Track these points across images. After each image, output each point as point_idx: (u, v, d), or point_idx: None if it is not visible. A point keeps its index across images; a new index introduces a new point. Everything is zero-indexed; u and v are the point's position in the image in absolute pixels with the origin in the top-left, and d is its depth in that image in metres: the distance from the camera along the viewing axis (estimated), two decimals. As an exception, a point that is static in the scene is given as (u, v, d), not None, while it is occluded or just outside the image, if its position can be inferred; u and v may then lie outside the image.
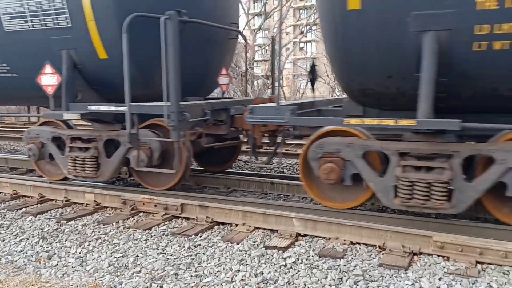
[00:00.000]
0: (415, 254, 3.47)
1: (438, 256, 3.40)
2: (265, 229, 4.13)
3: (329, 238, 3.83)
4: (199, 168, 7.01)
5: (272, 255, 3.52)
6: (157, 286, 3.05)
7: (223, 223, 4.34)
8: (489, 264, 3.24)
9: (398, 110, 4.17)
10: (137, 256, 3.59)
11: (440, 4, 3.49)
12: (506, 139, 3.73)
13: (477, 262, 3.26)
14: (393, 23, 3.67)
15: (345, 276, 3.12)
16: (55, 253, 3.73)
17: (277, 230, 4.02)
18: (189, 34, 5.09)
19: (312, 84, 5.39)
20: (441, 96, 3.69)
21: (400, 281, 3.01)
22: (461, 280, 2.99)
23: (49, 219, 4.66)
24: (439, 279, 3.03)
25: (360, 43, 3.85)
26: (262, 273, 3.19)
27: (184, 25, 4.76)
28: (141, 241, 3.93)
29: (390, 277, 3.08)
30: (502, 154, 3.59)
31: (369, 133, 4.29)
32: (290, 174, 6.81)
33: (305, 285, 3.01)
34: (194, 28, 5.17)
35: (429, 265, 3.27)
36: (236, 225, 4.24)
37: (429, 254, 3.45)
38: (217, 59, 4.89)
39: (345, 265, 3.29)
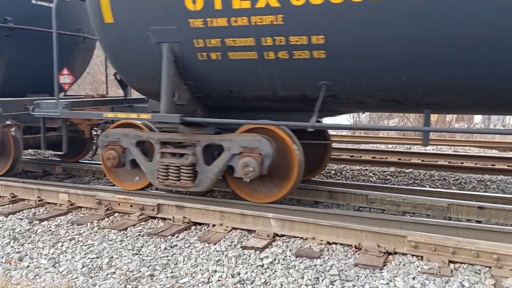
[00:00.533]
0: (390, 253, 3.52)
1: (413, 255, 3.45)
2: (242, 229, 4.12)
3: (306, 238, 3.85)
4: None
5: (249, 256, 3.51)
6: (132, 287, 3.00)
7: (200, 224, 4.31)
8: (462, 263, 3.32)
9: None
10: (112, 257, 3.53)
11: (168, 21, 4.28)
12: (240, 131, 4.54)
13: (450, 262, 3.33)
14: (141, 35, 4.42)
15: (321, 276, 3.14)
16: (26, 254, 3.64)
17: (254, 231, 4.02)
18: (22, 39, 6.34)
19: (120, 84, 6.45)
20: (198, 96, 4.75)
21: (375, 281, 3.05)
22: (434, 280, 3.04)
23: (21, 219, 4.54)
24: (413, 278, 3.08)
25: (122, 51, 4.65)
26: (239, 274, 3.18)
27: (11, 31, 6.11)
28: (116, 242, 3.87)
29: (365, 277, 3.12)
30: (228, 143, 4.43)
31: (154, 126, 5.00)
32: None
33: (281, 285, 3.01)
34: (28, 34, 6.36)
35: (404, 265, 3.32)
36: (214, 225, 4.21)
37: (403, 254, 3.50)
38: (60, 62, 5.31)
39: (321, 265, 3.32)
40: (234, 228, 4.15)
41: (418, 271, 3.20)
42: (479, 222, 4.36)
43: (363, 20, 3.69)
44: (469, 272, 3.18)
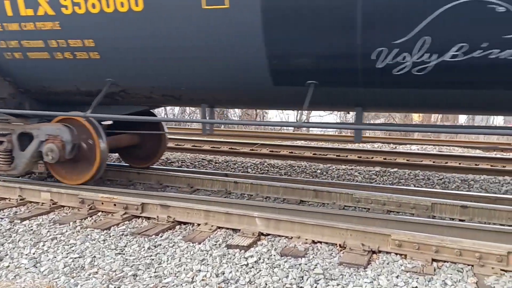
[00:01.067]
0: (374, 252, 3.54)
1: (396, 254, 3.47)
2: (227, 228, 4.09)
3: (291, 237, 3.85)
4: (162, 167, 6.91)
5: (234, 255, 3.49)
6: (115, 287, 2.96)
7: (185, 223, 4.27)
8: (445, 261, 3.34)
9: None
10: (94, 256, 3.48)
11: None
12: (54, 121, 5.21)
13: (433, 260, 3.35)
14: None
15: (306, 275, 3.13)
16: (7, 254, 3.56)
17: (239, 230, 4.00)
18: None
19: None
20: (21, 90, 5.43)
21: (359, 279, 3.05)
22: (418, 278, 3.06)
23: (2, 218, 4.45)
24: (397, 277, 3.09)
25: None
26: (224, 273, 3.16)
27: None
28: (99, 241, 3.81)
29: (349, 276, 3.12)
30: (36, 131, 5.14)
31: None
32: (254, 173, 6.80)
33: (266, 284, 3.00)
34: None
35: (387, 263, 3.34)
36: (198, 224, 4.18)
37: (387, 252, 3.51)
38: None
39: (306, 264, 3.31)
40: (219, 227, 4.12)
41: (402, 270, 3.21)
42: (462, 220, 4.41)
43: (127, 28, 4.35)
44: (452, 270, 3.21)
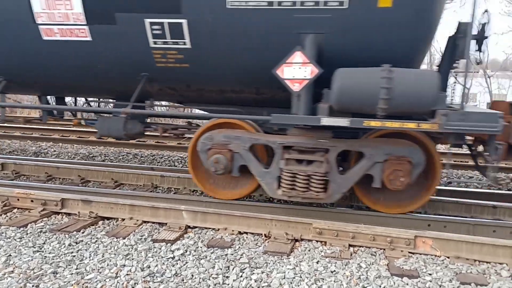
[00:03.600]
0: (297, 240, 3.70)
1: (317, 241, 3.67)
2: (153, 222, 4.06)
3: (218, 229, 3.91)
4: (84, 161, 6.64)
5: (160, 248, 3.48)
6: (33, 285, 2.83)
7: (108, 218, 4.16)
8: (360, 246, 3.59)
9: None
10: (10, 255, 3.28)
11: None
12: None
13: (350, 246, 3.59)
14: None
15: (232, 264, 3.21)
16: None
17: (166, 224, 3.98)
18: None
19: None
20: None
21: (282, 266, 3.19)
22: (336, 262, 3.27)
23: None
24: (317, 262, 3.27)
25: None
26: (149, 267, 3.14)
27: None
28: (15, 239, 3.60)
29: (273, 263, 3.25)
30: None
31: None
32: (181, 167, 6.76)
33: (192, 275, 3.03)
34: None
35: (309, 250, 3.52)
36: (123, 219, 4.10)
37: (309, 240, 3.70)
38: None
39: (232, 254, 3.39)
40: (145, 222, 4.07)
41: (322, 255, 3.40)
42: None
43: None
44: (366, 254, 3.46)
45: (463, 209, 4.63)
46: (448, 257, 3.39)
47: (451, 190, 5.28)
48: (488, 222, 4.08)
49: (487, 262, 3.33)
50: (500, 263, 3.30)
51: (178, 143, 9.08)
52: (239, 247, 3.56)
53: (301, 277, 3.04)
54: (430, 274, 3.13)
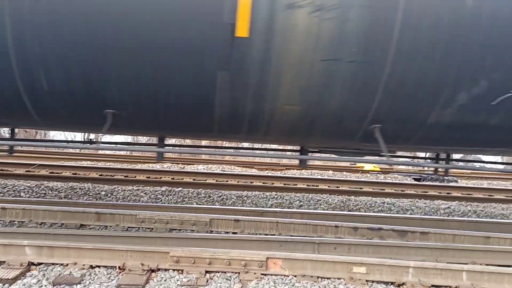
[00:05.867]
0: (153, 271, 3.63)
1: (174, 270, 3.64)
2: (-11, 261, 3.60)
3: (67, 264, 3.63)
4: None
5: (-5, 291, 3.10)
6: None
7: None
8: (217, 272, 3.67)
9: None
10: None
11: None
12: None
13: (207, 272, 3.64)
14: None
15: (80, 302, 3.01)
16: None
17: (4, 261, 3.56)
18: None
19: None
20: None
21: (136, 299, 3.09)
22: (191, 290, 3.29)
23: None
24: (172, 291, 3.25)
25: None
26: (-20, 313, 2.78)
27: None
28: None
29: (126, 297, 3.13)
30: None
31: None
32: (28, 197, 6.15)
33: (33, 318, 2.76)
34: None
35: (165, 280, 3.47)
36: (-51, 260, 3.56)
37: (166, 270, 3.66)
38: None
39: (81, 291, 3.18)
40: (-22, 261, 3.59)
41: (178, 285, 3.39)
42: (235, 233, 4.91)
43: None
44: (222, 279, 3.55)
45: (311, 229, 5.06)
46: (296, 276, 3.66)
47: (302, 212, 5.74)
48: (331, 240, 4.51)
49: (327, 278, 3.68)
50: (339, 278, 3.68)
51: (26, 171, 8.27)
52: (90, 282, 3.35)
53: (155, 308, 2.98)
54: (279, 293, 3.33)
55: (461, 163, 5.57)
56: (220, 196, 6.91)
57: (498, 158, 18.15)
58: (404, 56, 3.40)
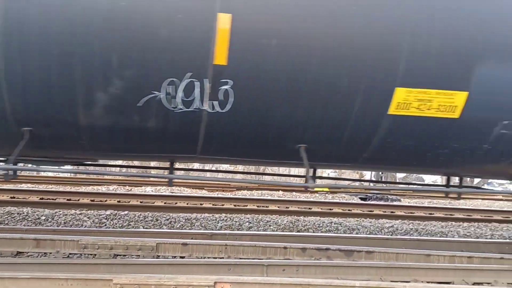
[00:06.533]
0: (95, 299, 3.47)
1: (117, 298, 3.50)
2: None
3: (0, 296, 3.39)
4: None
5: None
6: None
7: None
8: (163, 298, 3.56)
9: None
10: None
11: None
12: None
13: (152, 299, 3.53)
14: None
15: (13, 337, 2.81)
16: None
17: None
18: None
19: None
20: None
21: (75, 331, 2.93)
22: (136, 319, 3.16)
23: None
24: (115, 321, 3.11)
25: None
26: None
27: None
28: None
29: (65, 329, 2.96)
30: None
31: None
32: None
33: None
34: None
35: (108, 309, 3.33)
36: None
37: (109, 298, 3.50)
38: None
39: (15, 325, 2.97)
40: None
41: (121, 313, 3.25)
42: (183, 257, 4.81)
43: None
44: (168, 306, 3.44)
45: (260, 251, 5.05)
46: (244, 299, 3.63)
47: (251, 234, 5.73)
48: (279, 262, 4.53)
49: (276, 300, 3.67)
50: (287, 300, 3.68)
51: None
52: (25, 315, 3.15)
53: None
54: (226, 318, 3.28)
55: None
56: (168, 219, 6.76)
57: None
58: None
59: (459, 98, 3.74)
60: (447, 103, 3.74)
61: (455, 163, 4.26)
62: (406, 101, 3.70)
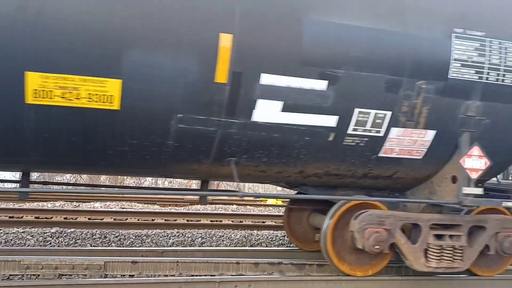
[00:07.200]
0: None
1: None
2: None
3: None
4: None
5: None
6: None
7: None
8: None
9: None
10: None
11: None
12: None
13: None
14: None
15: None
16: None
17: None
18: None
19: None
20: None
21: None
22: None
23: None
24: None
25: None
26: None
27: None
28: None
29: None
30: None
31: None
32: None
33: None
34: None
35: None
36: None
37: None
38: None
39: None
40: None
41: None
42: (132, 276, 4.67)
43: None
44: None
45: (212, 267, 5.00)
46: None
47: (204, 250, 5.67)
48: (231, 278, 4.50)
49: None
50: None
51: None
52: None
53: None
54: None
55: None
56: (117, 236, 6.55)
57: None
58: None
59: (112, 86, 3.19)
60: (99, 92, 3.22)
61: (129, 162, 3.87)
62: (45, 88, 3.14)
